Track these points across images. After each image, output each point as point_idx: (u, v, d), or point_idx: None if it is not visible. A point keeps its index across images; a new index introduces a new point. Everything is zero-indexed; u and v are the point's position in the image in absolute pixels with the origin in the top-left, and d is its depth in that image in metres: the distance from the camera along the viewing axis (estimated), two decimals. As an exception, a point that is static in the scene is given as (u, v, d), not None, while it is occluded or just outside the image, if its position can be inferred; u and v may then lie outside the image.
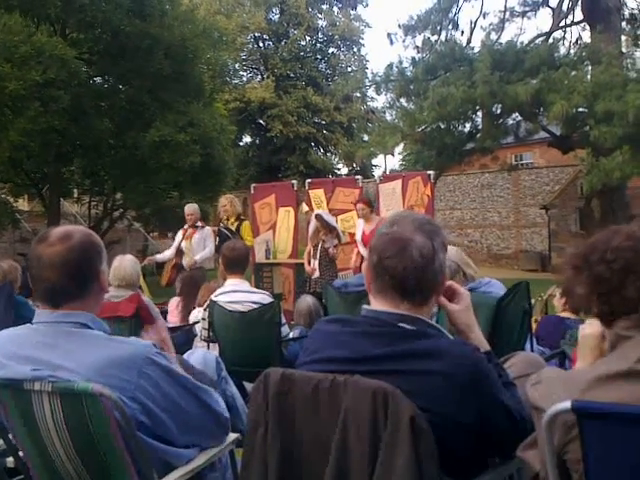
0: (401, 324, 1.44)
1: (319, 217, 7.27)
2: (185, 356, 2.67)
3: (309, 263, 7.27)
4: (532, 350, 3.36)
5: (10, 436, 1.77)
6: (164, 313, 5.01)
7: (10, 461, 1.84)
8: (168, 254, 7.05)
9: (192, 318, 4.75)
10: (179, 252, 6.87)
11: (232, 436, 1.95)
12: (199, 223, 6.97)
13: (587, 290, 1.28)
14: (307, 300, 4.89)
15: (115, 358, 1.59)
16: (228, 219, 7.03)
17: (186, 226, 6.96)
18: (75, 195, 17.45)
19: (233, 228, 6.94)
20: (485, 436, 1.40)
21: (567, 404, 1.12)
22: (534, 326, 4.41)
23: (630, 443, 1.11)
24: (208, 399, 1.80)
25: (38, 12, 11.58)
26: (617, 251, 1.23)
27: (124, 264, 4.08)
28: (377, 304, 1.49)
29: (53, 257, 1.62)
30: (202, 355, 2.79)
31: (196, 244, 6.77)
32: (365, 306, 1.52)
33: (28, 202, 19.31)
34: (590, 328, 1.46)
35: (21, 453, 1.77)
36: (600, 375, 1.16)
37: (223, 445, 1.90)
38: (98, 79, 14.45)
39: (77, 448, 1.61)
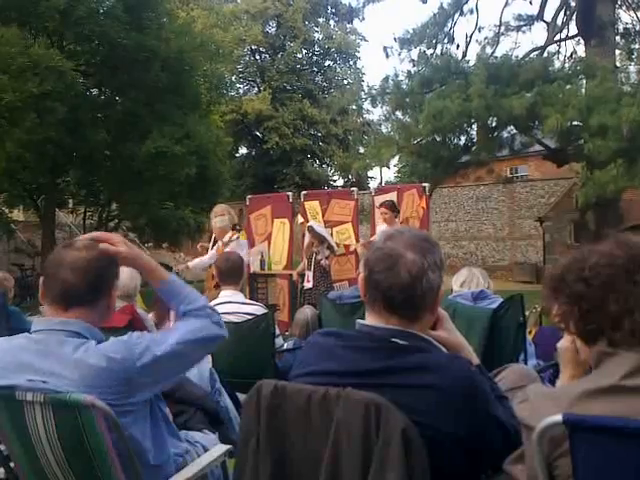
0: (394, 339, 1.44)
1: (310, 228, 7.53)
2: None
3: (299, 274, 7.53)
4: (526, 362, 3.37)
5: (1, 447, 1.76)
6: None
7: (0, 472, 1.83)
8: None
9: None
10: None
11: (224, 447, 1.94)
12: None
13: (567, 309, 1.29)
14: (306, 312, 4.89)
15: (105, 367, 1.59)
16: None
17: None
18: (70, 205, 17.41)
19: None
20: (478, 450, 1.39)
21: (558, 417, 1.12)
22: (530, 337, 4.41)
23: (620, 456, 1.11)
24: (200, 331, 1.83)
25: (36, 25, 11.64)
26: (595, 268, 1.24)
27: (122, 275, 4.07)
28: (370, 317, 1.50)
29: (77, 261, 1.69)
30: (196, 366, 2.77)
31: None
32: (359, 320, 1.52)
33: (23, 212, 19.25)
34: (565, 341, 1.46)
35: (12, 464, 1.75)
36: (587, 390, 1.16)
37: (215, 456, 1.90)
38: (95, 91, 14.46)
39: (68, 457, 1.61)
